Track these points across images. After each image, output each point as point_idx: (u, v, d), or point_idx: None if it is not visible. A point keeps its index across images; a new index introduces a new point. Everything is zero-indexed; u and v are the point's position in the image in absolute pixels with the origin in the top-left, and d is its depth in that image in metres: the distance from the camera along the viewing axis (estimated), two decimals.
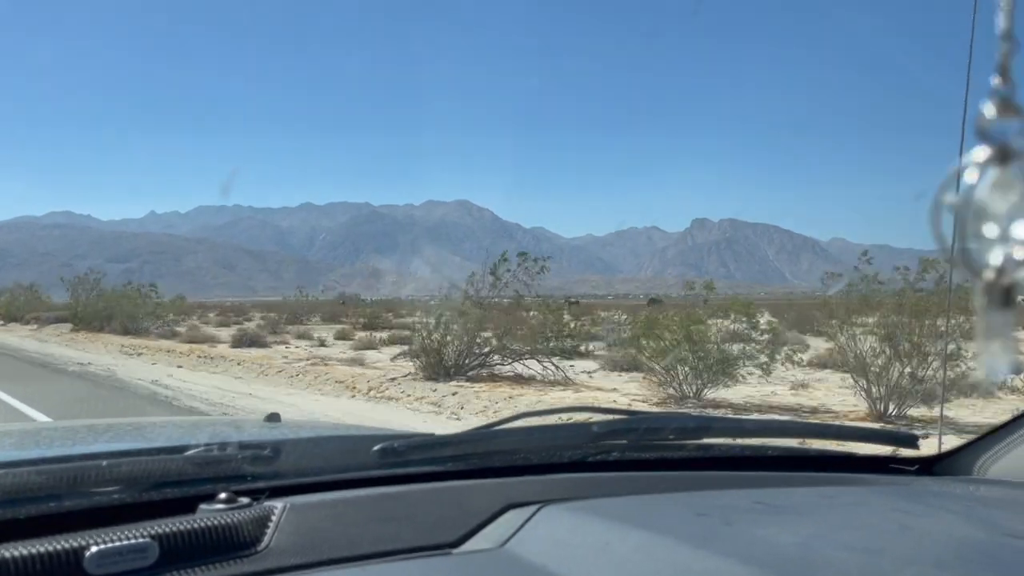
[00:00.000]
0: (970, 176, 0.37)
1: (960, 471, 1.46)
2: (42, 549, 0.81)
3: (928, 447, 1.61)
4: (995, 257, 0.38)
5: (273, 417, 1.69)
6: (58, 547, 0.82)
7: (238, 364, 15.49)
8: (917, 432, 1.60)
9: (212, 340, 22.36)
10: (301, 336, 24.45)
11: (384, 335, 22.73)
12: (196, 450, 1.06)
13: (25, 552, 0.80)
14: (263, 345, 20.63)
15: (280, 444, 1.14)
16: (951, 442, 1.64)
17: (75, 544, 0.83)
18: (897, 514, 1.09)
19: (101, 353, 19.12)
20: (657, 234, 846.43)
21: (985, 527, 1.04)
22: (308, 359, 16.27)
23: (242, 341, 20.69)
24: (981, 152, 0.38)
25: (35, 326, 33.23)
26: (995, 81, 0.39)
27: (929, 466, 1.51)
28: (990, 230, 0.37)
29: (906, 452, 1.55)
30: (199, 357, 17.00)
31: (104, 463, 0.97)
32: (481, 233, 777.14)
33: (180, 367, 15.50)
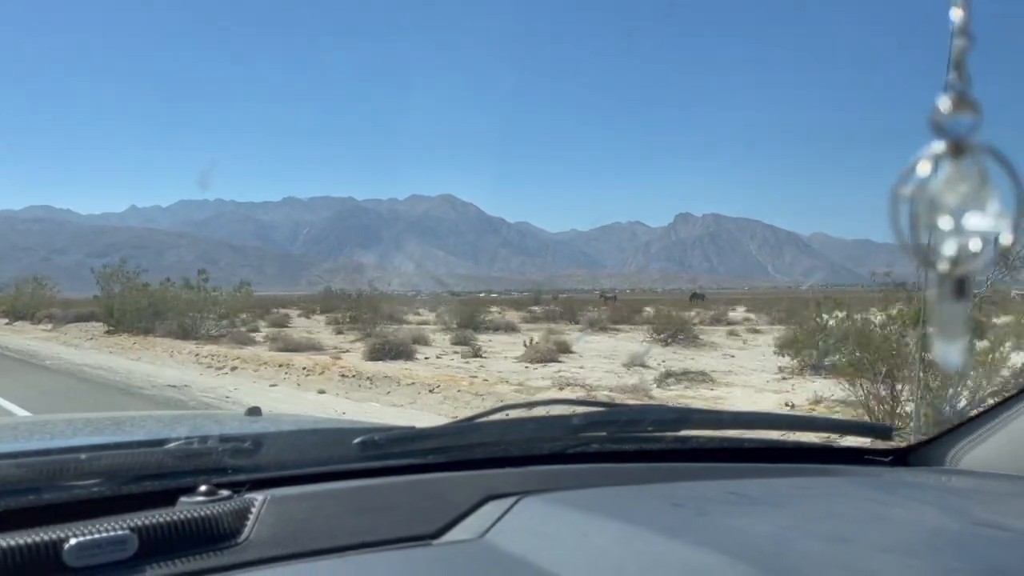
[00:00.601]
0: (922, 168, 0.38)
1: (933, 462, 1.49)
2: (21, 541, 0.81)
3: (902, 439, 1.64)
4: (949, 248, 0.38)
5: (254, 411, 1.69)
6: (37, 539, 0.82)
7: (429, 391, 10.46)
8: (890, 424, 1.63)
9: (313, 347, 17.69)
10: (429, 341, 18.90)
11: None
12: (176, 443, 1.06)
13: (3, 544, 0.80)
14: (408, 356, 15.65)
15: (261, 437, 1.14)
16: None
17: (54, 536, 0.83)
18: (870, 504, 1.11)
19: (177, 366, 14.56)
20: (641, 229, 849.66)
21: (955, 516, 1.07)
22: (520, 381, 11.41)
23: (383, 351, 15.43)
24: (936, 146, 0.38)
25: (50, 326, 29.55)
26: (950, 76, 0.40)
27: (903, 457, 1.54)
28: (944, 222, 0.38)
29: (881, 444, 1.58)
30: (344, 377, 12.04)
31: (83, 456, 0.97)
32: (465, 227, 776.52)
33: (324, 391, 11.00)
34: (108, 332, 23.54)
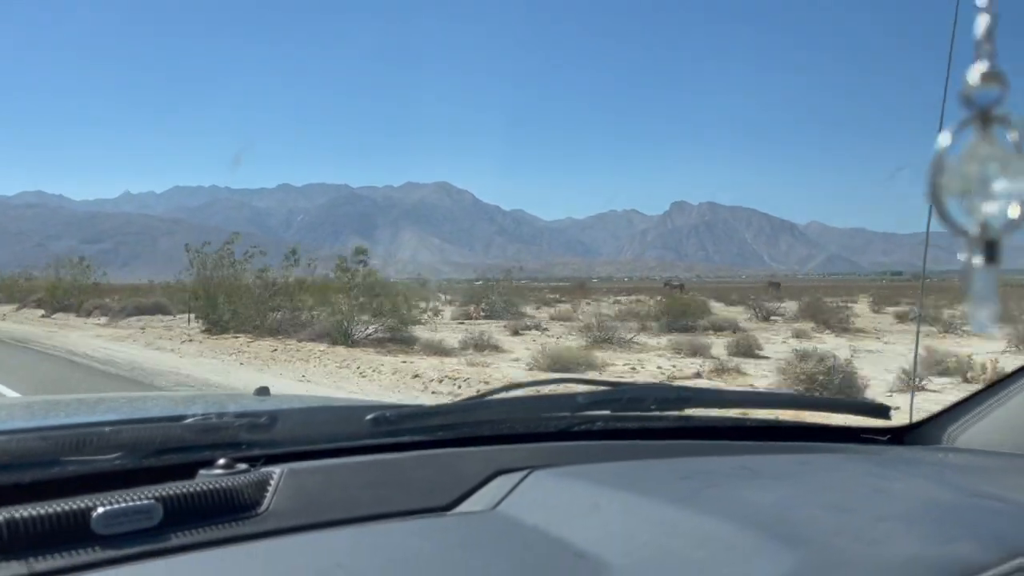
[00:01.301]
0: (944, 139, 0.40)
1: (930, 441, 1.52)
2: (50, 510, 0.83)
3: (900, 418, 1.67)
4: (979, 214, 0.40)
5: (262, 391, 1.71)
6: (66, 508, 0.84)
7: None
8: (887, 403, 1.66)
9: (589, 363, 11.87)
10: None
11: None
12: (194, 418, 1.09)
13: (35, 513, 0.82)
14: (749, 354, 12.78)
15: (276, 413, 1.16)
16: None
17: (82, 505, 0.85)
18: (870, 478, 1.14)
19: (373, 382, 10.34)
20: (637, 217, 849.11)
21: (953, 489, 1.10)
22: None
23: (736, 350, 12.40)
24: (965, 117, 0.40)
25: (103, 319, 24.52)
26: (983, 47, 0.41)
27: (900, 436, 1.57)
28: (974, 189, 0.40)
29: (878, 422, 1.61)
30: None
31: (107, 429, 0.99)
32: (461, 215, 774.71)
33: None
34: (207, 331, 18.07)
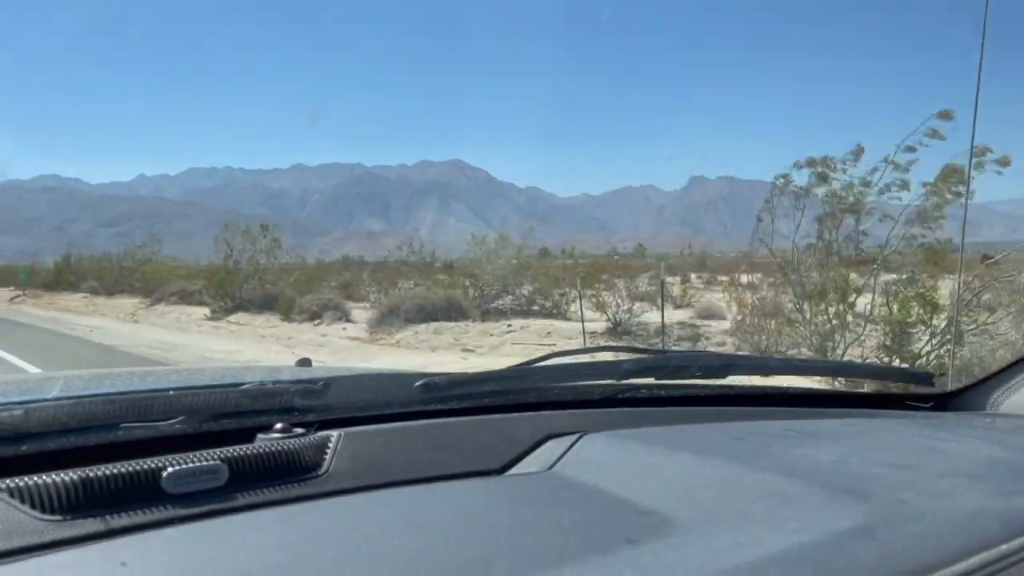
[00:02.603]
0: None
1: (974, 407, 1.52)
2: (123, 470, 0.85)
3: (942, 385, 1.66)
4: None
5: (304, 362, 1.73)
6: (137, 468, 0.86)
7: None
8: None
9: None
10: None
11: None
12: (251, 384, 1.10)
13: (108, 472, 0.84)
14: None
15: (329, 380, 1.18)
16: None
17: (152, 466, 0.87)
18: (922, 439, 1.14)
19: None
20: (654, 193, 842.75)
21: (1008, 448, 1.09)
22: None
23: None
24: None
25: (346, 324, 16.56)
26: None
27: (943, 403, 1.56)
28: None
29: (921, 389, 1.60)
30: None
31: (171, 393, 1.01)
32: (475, 193, 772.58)
33: None
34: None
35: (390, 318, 15.95)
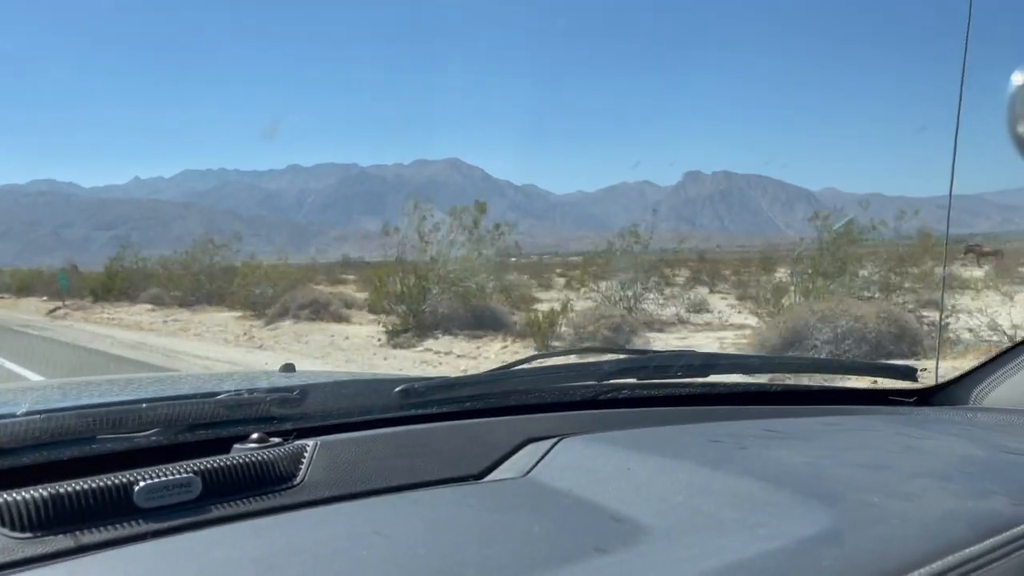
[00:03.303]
0: (1018, 79, 0.40)
1: (957, 401, 1.52)
2: (94, 485, 0.85)
3: (926, 380, 1.67)
4: None
5: (288, 367, 1.73)
6: (109, 483, 0.86)
7: None
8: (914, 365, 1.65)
9: None
10: None
11: None
12: (227, 394, 1.10)
13: (79, 488, 0.84)
14: None
15: (306, 388, 1.17)
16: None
17: (124, 480, 0.87)
18: (900, 437, 1.14)
19: None
20: (649, 188, 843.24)
21: (984, 446, 1.09)
22: None
23: None
24: None
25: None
26: None
27: (927, 397, 1.56)
28: None
29: (904, 384, 1.60)
30: None
31: (144, 405, 1.00)
32: (472, 191, 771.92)
33: None
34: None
35: None
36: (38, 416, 0.95)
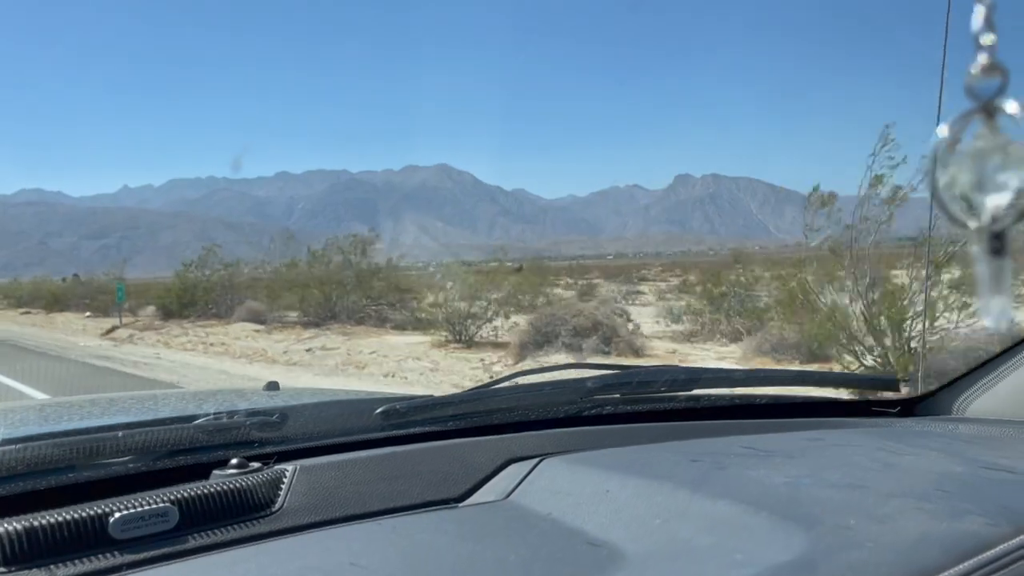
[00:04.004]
0: (942, 131, 0.40)
1: (940, 411, 1.52)
2: (69, 517, 0.84)
3: (909, 389, 1.67)
4: (985, 206, 0.40)
5: (272, 385, 1.72)
6: (84, 514, 0.85)
7: None
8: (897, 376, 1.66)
9: None
10: None
11: None
12: (206, 418, 1.09)
13: (53, 520, 0.83)
14: None
15: (286, 410, 1.16)
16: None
17: (99, 511, 0.86)
18: (880, 453, 1.14)
19: None
20: (639, 192, 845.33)
21: (963, 461, 1.10)
22: None
23: None
24: (968, 109, 0.40)
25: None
26: (986, 39, 0.41)
27: (910, 408, 1.57)
28: (978, 181, 0.40)
29: (888, 395, 1.61)
30: None
31: (120, 434, 1.00)
32: (462, 197, 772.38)
33: None
34: None
35: None
36: (14, 446, 0.94)
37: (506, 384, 1.37)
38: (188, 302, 21.01)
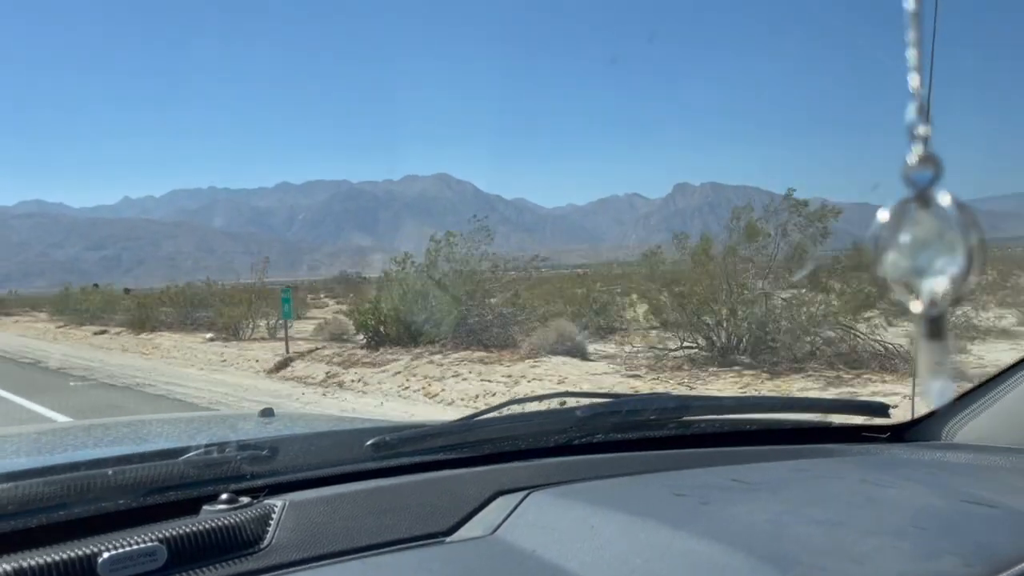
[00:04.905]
0: (882, 217, 0.42)
1: (930, 437, 1.53)
2: (56, 557, 0.85)
3: (901, 414, 1.68)
4: (923, 290, 0.42)
5: (267, 412, 1.73)
6: (72, 554, 0.86)
7: None
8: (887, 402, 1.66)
9: None
10: None
11: None
12: (196, 452, 1.10)
13: (41, 561, 0.84)
14: None
15: (277, 442, 1.17)
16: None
17: (87, 551, 0.87)
18: (865, 485, 1.15)
19: None
20: (639, 201, 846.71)
21: (946, 494, 1.11)
22: None
23: None
24: (904, 198, 0.42)
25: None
26: (921, 130, 0.43)
27: (900, 433, 1.58)
28: (914, 266, 0.42)
29: (878, 420, 1.61)
30: None
31: (110, 471, 1.01)
32: (462, 206, 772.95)
33: None
34: None
35: None
36: (4, 487, 0.95)
37: (496, 413, 1.38)
38: (410, 323, 12.87)
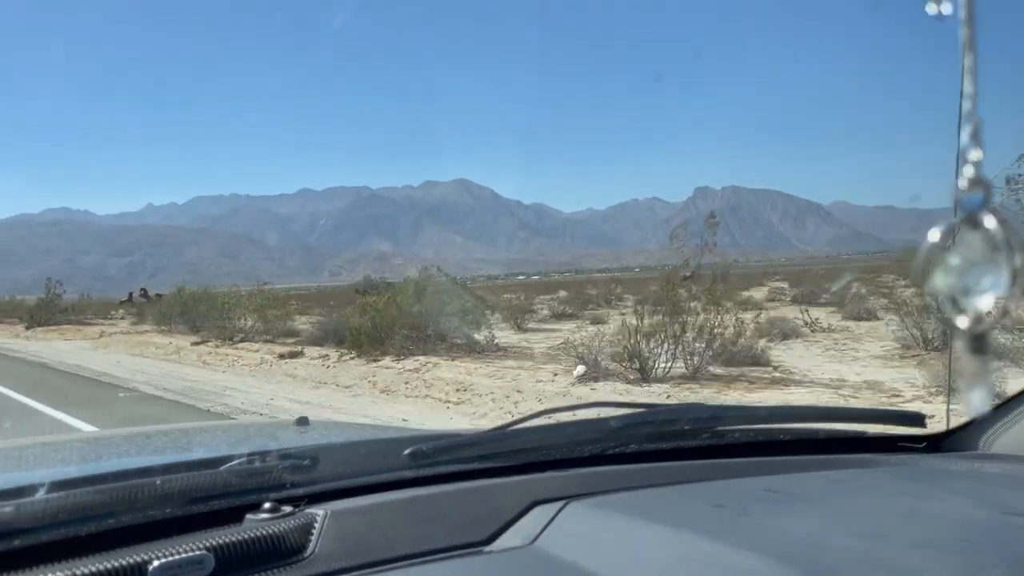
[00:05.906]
0: (934, 236, 0.44)
1: (967, 447, 1.51)
2: (109, 565, 0.87)
3: (937, 424, 1.66)
4: (971, 307, 0.44)
5: (303, 420, 1.75)
6: (124, 562, 0.88)
7: None
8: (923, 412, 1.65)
9: None
10: None
11: None
12: (239, 461, 1.12)
13: (95, 568, 0.86)
14: None
15: (317, 451, 1.19)
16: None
17: (139, 559, 0.89)
18: (905, 497, 1.14)
19: None
20: (659, 205, 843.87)
21: (987, 506, 1.09)
22: None
23: None
24: (956, 219, 0.44)
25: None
26: (973, 155, 0.44)
27: (937, 443, 1.56)
28: (962, 285, 0.44)
29: (914, 430, 1.60)
30: None
31: (158, 480, 1.03)
32: (482, 211, 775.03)
33: None
34: None
35: None
36: (57, 495, 0.97)
37: (532, 423, 1.39)
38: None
